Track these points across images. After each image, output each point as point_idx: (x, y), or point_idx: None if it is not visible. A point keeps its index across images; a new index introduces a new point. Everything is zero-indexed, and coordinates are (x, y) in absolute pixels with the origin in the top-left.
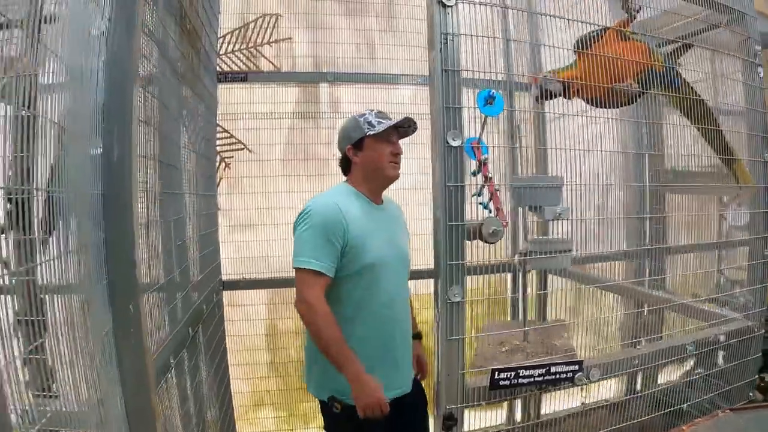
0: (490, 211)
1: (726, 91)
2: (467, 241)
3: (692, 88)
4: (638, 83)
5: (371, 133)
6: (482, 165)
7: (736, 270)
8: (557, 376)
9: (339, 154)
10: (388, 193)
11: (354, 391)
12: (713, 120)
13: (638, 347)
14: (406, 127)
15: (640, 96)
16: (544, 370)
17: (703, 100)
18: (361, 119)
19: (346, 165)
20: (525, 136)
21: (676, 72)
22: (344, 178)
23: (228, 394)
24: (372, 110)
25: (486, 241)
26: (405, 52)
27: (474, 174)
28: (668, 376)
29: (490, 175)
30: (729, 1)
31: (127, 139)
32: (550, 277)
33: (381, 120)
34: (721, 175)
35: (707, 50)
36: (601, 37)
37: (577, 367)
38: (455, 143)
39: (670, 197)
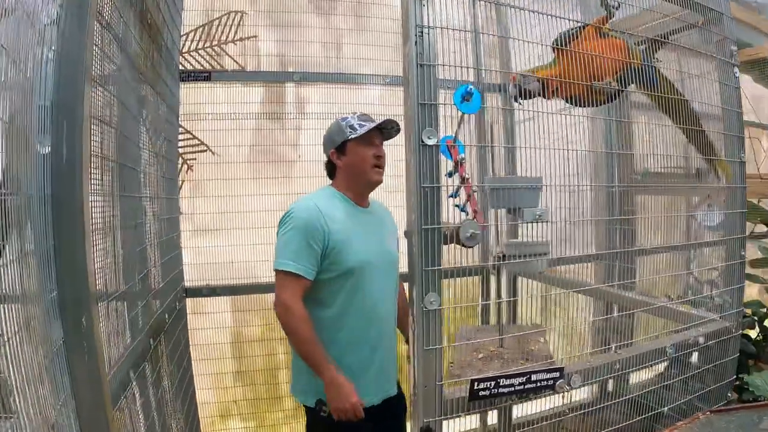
0: (467, 214)
1: (696, 92)
2: (443, 246)
3: (672, 85)
4: (617, 81)
5: (353, 136)
6: (459, 165)
7: (711, 271)
8: (538, 384)
9: (304, 157)
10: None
11: (328, 393)
12: (694, 117)
13: (618, 351)
14: (389, 128)
15: (619, 94)
16: (524, 378)
17: (683, 97)
18: (344, 123)
19: (331, 169)
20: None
21: (655, 69)
22: (328, 181)
23: (193, 406)
24: (355, 113)
25: (463, 245)
26: (373, 51)
27: (449, 175)
28: (645, 379)
29: (467, 175)
30: (706, 1)
31: (77, 136)
32: (519, 280)
33: (363, 123)
34: (691, 176)
35: (675, 51)
36: (580, 34)
37: (558, 374)
38: (431, 142)
39: (641, 198)
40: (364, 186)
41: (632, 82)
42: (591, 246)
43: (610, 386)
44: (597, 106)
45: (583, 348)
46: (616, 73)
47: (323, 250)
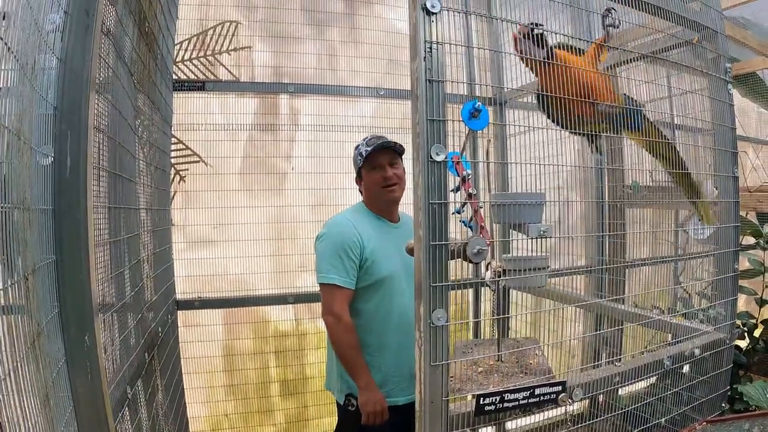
0: (472, 229)
1: (683, 107)
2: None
3: (658, 129)
4: (603, 121)
5: (362, 163)
6: (464, 181)
7: (701, 283)
8: (541, 398)
9: (297, 169)
10: None
11: (362, 397)
12: (679, 159)
13: (617, 364)
14: (391, 146)
15: (597, 136)
16: (528, 392)
17: (668, 140)
18: (356, 152)
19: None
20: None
21: (641, 113)
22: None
23: (185, 420)
24: (366, 138)
25: (470, 261)
26: (367, 64)
27: (454, 190)
28: (635, 390)
29: (473, 191)
30: (701, 18)
31: (82, 146)
32: (511, 293)
33: (368, 147)
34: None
35: (665, 66)
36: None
37: (560, 387)
38: (439, 158)
39: (630, 211)
40: (383, 204)
41: (621, 125)
42: (581, 258)
43: (601, 398)
44: (579, 133)
45: (576, 361)
46: (601, 114)
47: (360, 261)
